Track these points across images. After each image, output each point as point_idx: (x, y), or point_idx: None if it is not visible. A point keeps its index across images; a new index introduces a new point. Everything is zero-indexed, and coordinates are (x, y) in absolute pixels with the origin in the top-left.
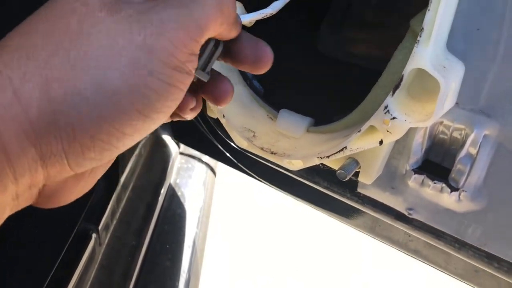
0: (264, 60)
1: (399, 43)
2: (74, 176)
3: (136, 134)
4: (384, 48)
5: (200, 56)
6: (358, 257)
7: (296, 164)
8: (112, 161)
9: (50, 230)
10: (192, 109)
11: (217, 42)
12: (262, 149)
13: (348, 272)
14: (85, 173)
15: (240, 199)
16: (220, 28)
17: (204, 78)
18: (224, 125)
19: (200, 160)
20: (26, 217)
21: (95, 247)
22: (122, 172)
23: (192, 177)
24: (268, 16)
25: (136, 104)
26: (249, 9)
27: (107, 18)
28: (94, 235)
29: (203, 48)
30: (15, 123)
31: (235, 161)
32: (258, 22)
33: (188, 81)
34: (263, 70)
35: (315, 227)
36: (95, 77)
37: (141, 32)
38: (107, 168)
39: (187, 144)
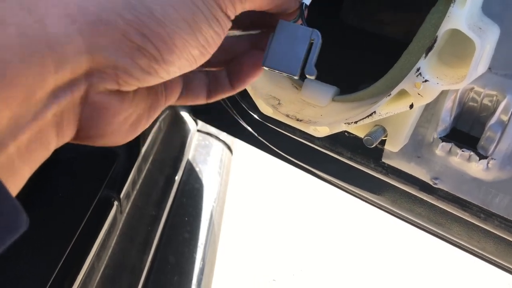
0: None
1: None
2: (117, 103)
3: (182, 57)
4: (408, 22)
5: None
6: (377, 238)
7: (322, 131)
8: (155, 114)
9: (74, 196)
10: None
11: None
12: (287, 116)
13: (365, 252)
14: (128, 112)
15: (256, 177)
16: None
17: (311, 73)
18: (250, 92)
19: (217, 138)
20: (50, 181)
21: (116, 215)
22: (143, 144)
23: (210, 154)
24: None
25: (187, 18)
26: None
27: None
28: (116, 203)
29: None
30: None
31: (255, 134)
32: None
33: (225, 24)
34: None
35: (330, 203)
36: None
37: None
38: (148, 123)
39: (205, 121)
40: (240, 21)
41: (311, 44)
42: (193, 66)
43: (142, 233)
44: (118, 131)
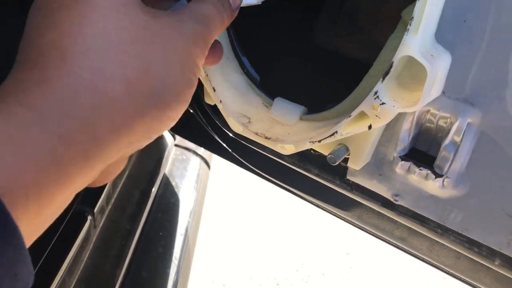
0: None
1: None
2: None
3: (173, 119)
4: (375, 42)
5: None
6: (346, 247)
7: (288, 149)
8: None
9: None
10: None
11: None
12: (256, 134)
13: (337, 262)
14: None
15: (232, 192)
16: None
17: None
18: (221, 110)
19: (195, 152)
20: None
21: (90, 229)
22: None
23: (187, 168)
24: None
25: (182, 91)
26: None
27: (152, 22)
28: (89, 217)
29: None
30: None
31: (229, 150)
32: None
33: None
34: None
35: (304, 218)
36: (161, 74)
37: (183, 40)
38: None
39: (183, 135)
40: None
41: None
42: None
43: (115, 247)
44: (112, 175)
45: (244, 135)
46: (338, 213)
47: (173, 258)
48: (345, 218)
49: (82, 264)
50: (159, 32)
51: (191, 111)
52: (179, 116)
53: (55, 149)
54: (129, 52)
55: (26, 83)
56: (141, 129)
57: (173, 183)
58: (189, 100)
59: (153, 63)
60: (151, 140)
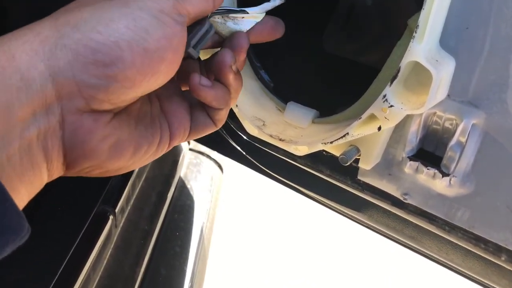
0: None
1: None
2: (91, 122)
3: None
4: (383, 48)
5: (191, 34)
6: (360, 251)
7: (302, 150)
8: (159, 148)
9: (72, 209)
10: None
11: (210, 26)
12: (271, 136)
13: (349, 265)
14: (104, 132)
15: (245, 195)
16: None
17: (194, 55)
18: (237, 114)
19: (208, 156)
20: (50, 196)
21: (111, 228)
22: None
23: (201, 172)
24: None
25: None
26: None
27: None
28: (111, 217)
29: (196, 28)
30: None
31: (243, 152)
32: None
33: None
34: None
35: (316, 220)
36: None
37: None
38: (151, 154)
39: (197, 140)
40: None
41: (206, 32)
42: (160, 80)
43: (135, 246)
44: (97, 150)
45: (260, 137)
46: (350, 214)
47: (190, 257)
48: (356, 218)
49: (105, 262)
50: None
51: None
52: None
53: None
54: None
55: (22, 31)
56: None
57: (188, 186)
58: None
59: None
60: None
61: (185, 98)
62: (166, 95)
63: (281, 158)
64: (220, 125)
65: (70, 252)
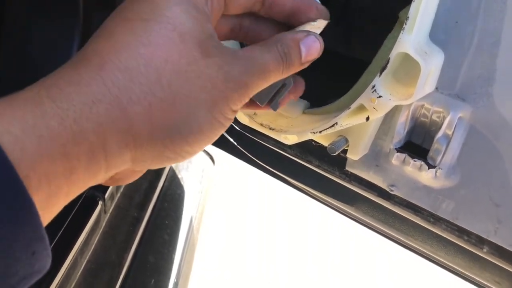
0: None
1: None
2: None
3: (188, 153)
4: (374, 42)
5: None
6: (350, 246)
7: (291, 139)
8: None
9: None
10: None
11: (285, 83)
12: (261, 125)
13: (336, 257)
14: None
15: (236, 187)
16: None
17: (275, 109)
18: None
19: None
20: None
21: (100, 213)
22: None
23: (192, 162)
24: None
25: (205, 131)
26: None
27: (200, 60)
28: (100, 202)
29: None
30: (118, 134)
31: (234, 143)
32: None
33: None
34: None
35: (306, 212)
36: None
37: (224, 84)
38: None
39: None
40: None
41: (283, 85)
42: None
43: (123, 232)
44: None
45: (250, 126)
46: (337, 205)
47: (178, 246)
48: (343, 210)
49: (92, 247)
50: (201, 71)
51: None
52: (197, 151)
53: (66, 144)
54: (162, 83)
55: (61, 80)
56: (150, 153)
57: (179, 176)
58: (213, 139)
59: (182, 98)
60: (164, 165)
61: None
62: None
63: (271, 149)
64: None
65: (58, 235)
